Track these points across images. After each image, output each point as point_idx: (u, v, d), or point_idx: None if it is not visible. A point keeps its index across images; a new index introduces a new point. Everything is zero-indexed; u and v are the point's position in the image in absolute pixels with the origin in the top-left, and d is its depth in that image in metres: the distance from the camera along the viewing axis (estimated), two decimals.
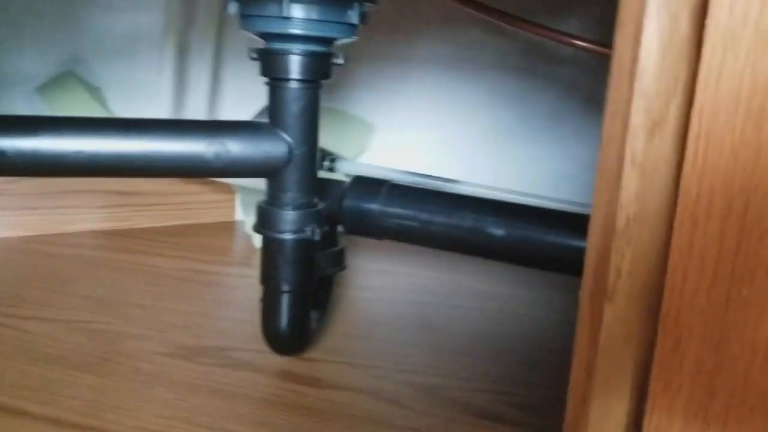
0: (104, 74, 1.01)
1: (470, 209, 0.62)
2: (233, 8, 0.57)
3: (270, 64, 0.57)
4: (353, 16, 0.56)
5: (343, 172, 0.91)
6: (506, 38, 0.90)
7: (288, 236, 0.59)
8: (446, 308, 0.78)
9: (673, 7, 0.30)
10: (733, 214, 0.29)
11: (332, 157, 0.90)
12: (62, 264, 0.85)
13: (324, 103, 0.60)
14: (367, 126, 0.96)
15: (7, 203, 0.92)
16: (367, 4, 0.57)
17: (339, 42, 0.58)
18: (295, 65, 0.56)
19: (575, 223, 0.60)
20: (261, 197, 0.94)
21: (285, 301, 0.60)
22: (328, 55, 0.58)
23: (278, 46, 0.57)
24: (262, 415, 0.56)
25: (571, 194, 0.90)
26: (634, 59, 0.31)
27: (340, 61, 0.59)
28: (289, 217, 0.59)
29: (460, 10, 0.89)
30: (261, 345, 0.65)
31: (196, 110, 0.96)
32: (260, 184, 0.93)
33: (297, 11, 0.54)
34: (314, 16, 0.55)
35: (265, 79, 0.59)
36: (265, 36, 0.57)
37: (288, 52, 0.56)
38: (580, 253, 0.59)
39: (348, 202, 0.65)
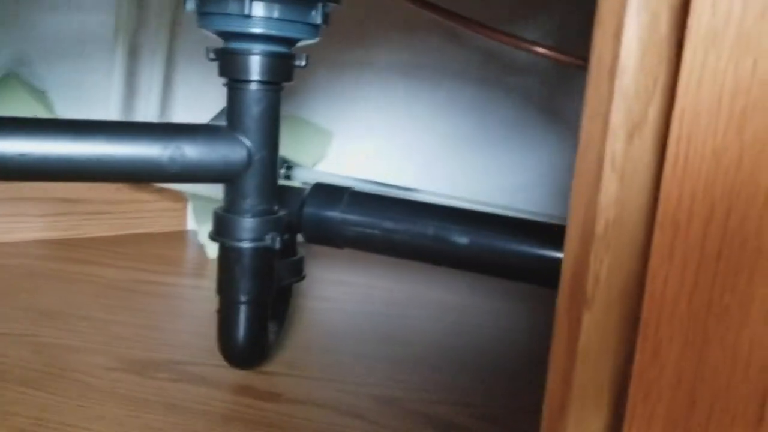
0: (50, 77, 0.97)
1: (433, 217, 0.61)
2: (191, 5, 0.55)
3: (229, 65, 0.55)
4: (317, 17, 0.55)
5: (299, 180, 0.89)
6: (466, 47, 0.90)
7: (246, 244, 0.57)
8: (405, 319, 0.77)
9: (654, 5, 0.30)
10: (715, 218, 0.29)
11: (289, 165, 0.88)
12: (3, 275, 0.81)
13: (281, 109, 0.58)
14: (326, 133, 0.95)
15: None
16: (331, 5, 0.55)
17: (301, 43, 0.56)
18: (255, 66, 0.55)
19: (539, 231, 0.59)
20: (214, 205, 0.91)
21: (243, 312, 0.58)
22: (290, 57, 0.56)
23: (238, 45, 0.55)
24: (220, 431, 0.53)
25: (527, 204, 0.89)
26: (614, 58, 0.30)
27: (303, 62, 0.57)
28: (247, 224, 0.57)
29: (420, 17, 0.89)
30: (216, 359, 0.63)
31: (146, 115, 0.93)
32: (213, 191, 0.90)
33: (259, 9, 0.53)
34: (277, 15, 0.53)
35: (224, 80, 0.57)
36: (225, 35, 0.55)
37: (249, 52, 0.54)
38: (544, 261, 0.59)
39: (308, 210, 0.63)
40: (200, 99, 0.97)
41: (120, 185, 0.95)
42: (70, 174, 0.53)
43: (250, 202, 0.57)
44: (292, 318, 0.73)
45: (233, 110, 0.56)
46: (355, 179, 0.86)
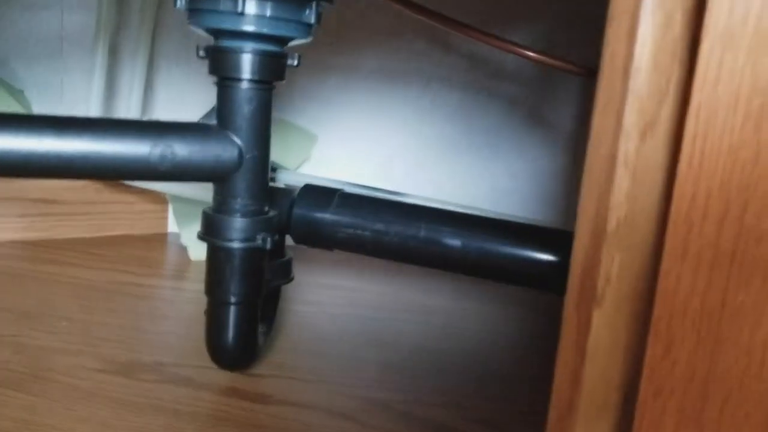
0: (28, 76, 0.95)
1: (425, 219, 0.60)
2: (181, 2, 0.54)
3: (220, 63, 0.55)
4: (310, 16, 0.54)
5: (283, 183, 0.88)
6: (452, 52, 0.90)
7: (237, 245, 0.56)
8: (392, 322, 0.76)
9: (668, 6, 0.30)
10: (730, 215, 0.29)
11: (273, 167, 0.87)
12: None
13: None
14: (311, 136, 0.94)
15: None
16: (324, 4, 0.55)
17: (294, 42, 0.56)
18: (247, 64, 0.54)
19: (532, 234, 0.59)
20: (196, 207, 0.90)
21: (232, 313, 0.57)
22: (282, 56, 0.56)
23: (230, 43, 0.54)
24: None
25: (512, 209, 0.90)
26: (628, 58, 0.30)
27: (295, 62, 0.57)
28: (238, 224, 0.56)
29: (406, 22, 0.89)
30: (202, 360, 0.62)
31: (127, 116, 0.91)
32: (194, 193, 0.89)
33: (252, 7, 0.52)
34: (270, 13, 0.53)
35: (214, 79, 0.56)
36: (216, 33, 0.54)
37: (241, 51, 0.54)
38: (537, 264, 0.59)
39: (298, 211, 0.63)
40: (181, 100, 0.96)
41: (100, 186, 0.93)
42: (56, 171, 0.52)
43: (241, 201, 0.56)
44: (279, 321, 0.72)
45: (224, 109, 0.55)
46: (340, 182, 0.85)
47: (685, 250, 0.29)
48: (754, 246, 0.28)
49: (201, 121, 0.56)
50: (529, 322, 0.81)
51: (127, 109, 0.92)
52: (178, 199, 0.93)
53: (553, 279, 0.58)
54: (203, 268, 0.70)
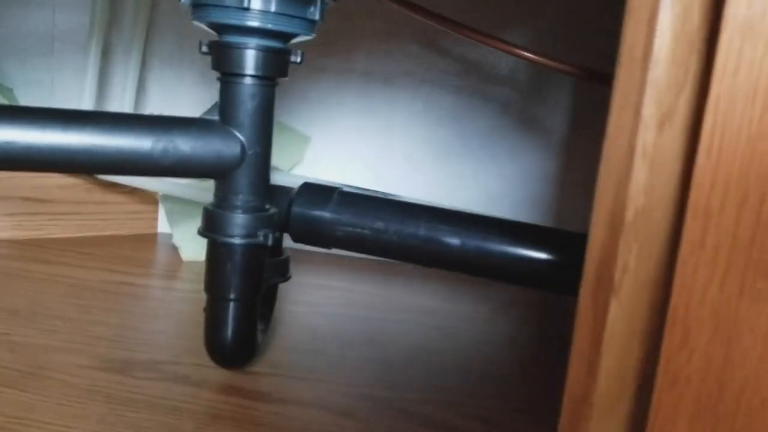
0: (18, 74, 0.94)
1: (424, 218, 0.61)
2: None
3: (224, 58, 0.55)
4: (315, 12, 0.54)
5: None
6: (445, 55, 0.90)
7: (238, 241, 0.56)
8: (386, 322, 0.76)
9: None
10: (748, 204, 0.29)
11: None
12: None
13: None
14: (304, 138, 0.94)
15: None
16: (329, 1, 0.55)
17: (297, 39, 0.56)
18: (251, 60, 0.54)
19: (532, 234, 0.60)
20: (189, 207, 0.90)
21: (232, 310, 0.57)
22: (285, 52, 0.56)
23: (234, 39, 0.54)
24: (209, 430, 0.52)
25: (502, 212, 0.90)
26: (647, 49, 0.31)
27: (298, 59, 0.57)
28: (240, 220, 0.55)
29: (399, 24, 0.89)
30: (198, 358, 0.61)
31: None
32: (187, 192, 0.89)
33: (257, 2, 0.52)
34: (275, 8, 0.53)
35: (217, 75, 0.56)
36: (221, 28, 0.54)
37: (245, 46, 0.54)
38: (535, 263, 0.59)
39: (296, 209, 0.62)
40: (173, 100, 0.95)
41: (90, 186, 0.92)
42: (58, 164, 0.52)
43: (242, 198, 0.56)
44: (274, 320, 0.72)
45: (227, 105, 0.55)
46: (332, 184, 0.85)
47: (704, 239, 0.30)
48: None
49: (204, 117, 0.55)
50: (522, 323, 0.82)
51: (120, 108, 0.91)
52: (170, 199, 0.93)
53: (552, 277, 0.58)
54: (195, 268, 0.69)
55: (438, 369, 0.66)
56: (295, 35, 0.55)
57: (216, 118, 0.56)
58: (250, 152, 0.55)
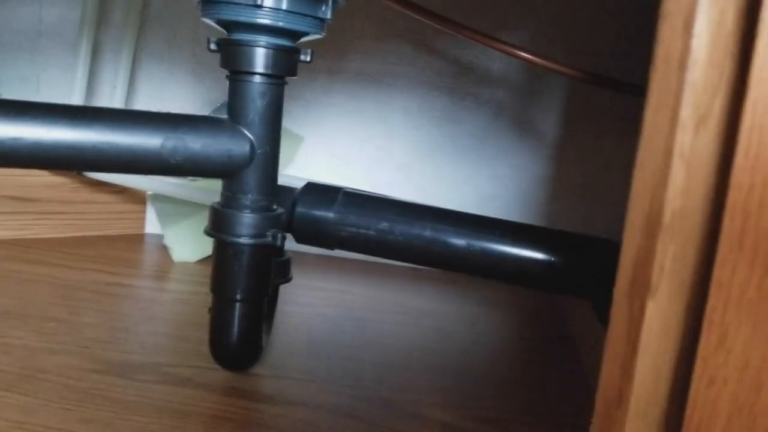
0: (2, 71, 0.92)
1: (430, 219, 0.60)
2: None
3: (234, 56, 0.54)
4: (326, 11, 0.54)
5: None
6: (438, 57, 0.91)
7: (246, 240, 0.55)
8: (384, 324, 0.76)
9: (722, 2, 0.31)
10: None
11: None
12: None
13: None
14: (296, 138, 0.93)
15: None
16: (340, 0, 0.55)
17: (306, 38, 0.56)
18: (262, 58, 0.53)
19: (537, 235, 0.60)
20: (180, 208, 0.89)
21: (238, 311, 0.56)
22: (295, 51, 0.55)
23: (244, 36, 0.53)
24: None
25: (495, 213, 0.90)
26: (685, 52, 0.31)
27: (308, 58, 0.56)
28: (248, 220, 0.55)
29: (393, 26, 0.89)
30: (199, 361, 0.61)
31: None
32: (177, 192, 0.88)
33: (269, 0, 0.51)
34: (286, 6, 0.52)
35: (226, 72, 0.55)
36: (231, 25, 0.54)
37: (255, 44, 0.53)
38: (541, 265, 0.59)
39: (300, 210, 0.62)
40: (162, 99, 0.94)
41: (77, 185, 0.91)
42: (65, 161, 0.51)
43: (251, 197, 0.55)
44: (273, 322, 0.71)
45: (236, 103, 0.55)
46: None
47: (742, 239, 0.30)
48: None
49: (213, 115, 0.55)
50: (521, 324, 0.82)
51: (110, 105, 0.90)
52: (161, 199, 0.91)
53: (558, 279, 0.59)
54: (186, 270, 0.68)
55: (438, 370, 0.66)
56: (305, 34, 0.55)
57: (225, 116, 0.55)
58: (259, 151, 0.55)
